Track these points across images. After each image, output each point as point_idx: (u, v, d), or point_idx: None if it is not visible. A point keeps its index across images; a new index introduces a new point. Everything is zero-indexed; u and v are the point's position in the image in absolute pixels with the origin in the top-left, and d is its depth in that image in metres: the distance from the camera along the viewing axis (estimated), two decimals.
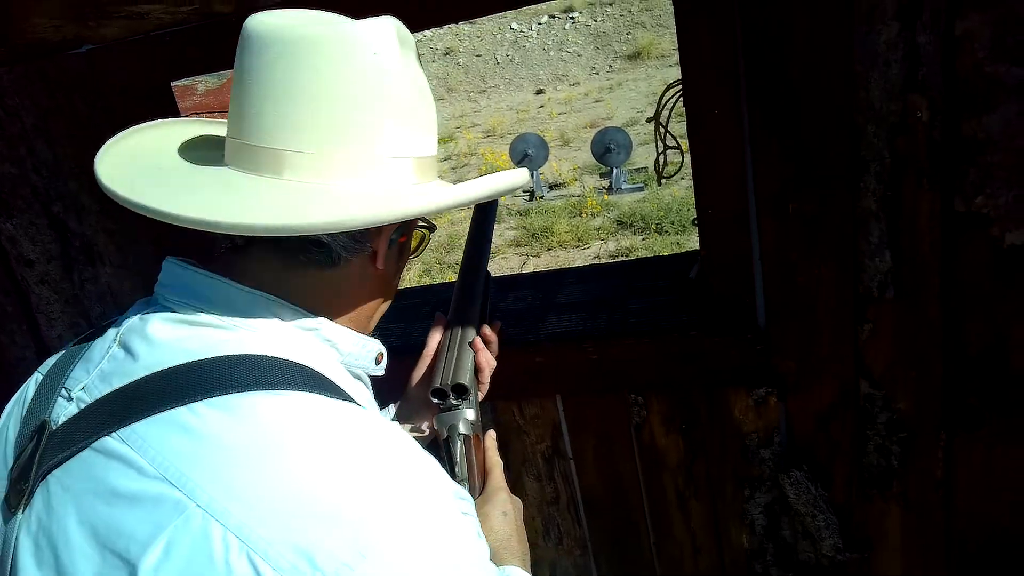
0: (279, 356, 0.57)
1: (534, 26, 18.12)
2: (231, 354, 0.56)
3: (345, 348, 0.66)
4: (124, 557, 0.47)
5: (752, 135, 1.09)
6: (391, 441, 0.54)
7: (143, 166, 0.65)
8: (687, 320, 1.28)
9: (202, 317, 0.59)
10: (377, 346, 0.70)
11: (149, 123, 0.72)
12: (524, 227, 6.76)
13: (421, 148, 0.67)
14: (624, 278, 1.52)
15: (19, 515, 0.54)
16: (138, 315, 0.62)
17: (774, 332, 1.20)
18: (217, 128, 0.75)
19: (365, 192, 0.61)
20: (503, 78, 17.69)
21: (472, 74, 18.12)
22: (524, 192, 8.20)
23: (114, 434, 0.52)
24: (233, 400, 0.52)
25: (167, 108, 1.35)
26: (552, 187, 8.11)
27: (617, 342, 1.28)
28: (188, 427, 0.51)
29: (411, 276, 6.16)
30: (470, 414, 0.84)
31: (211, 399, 0.52)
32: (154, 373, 0.55)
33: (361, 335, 0.67)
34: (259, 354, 0.57)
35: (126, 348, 0.58)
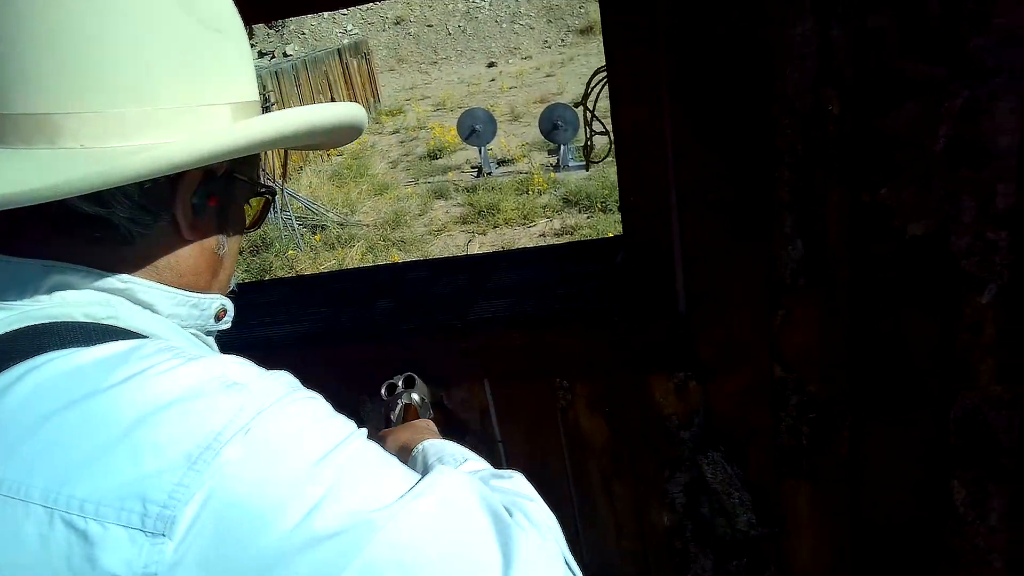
0: (76, 321, 0.51)
1: None
2: (9, 330, 0.49)
3: (165, 310, 0.58)
4: None
5: (672, 126, 1.10)
6: (199, 358, 0.49)
7: None
8: (611, 306, 1.30)
9: None
10: (214, 302, 0.63)
11: None
12: (471, 204, 6.73)
13: (235, 92, 0.57)
14: (554, 263, 1.53)
15: None
16: None
17: (694, 318, 1.23)
18: None
19: (119, 156, 0.51)
20: (455, 50, 17.41)
21: (423, 45, 17.77)
22: (472, 168, 8.14)
23: None
24: (13, 371, 0.46)
25: None
26: (500, 163, 8.07)
27: (544, 327, 1.29)
28: None
29: (353, 254, 6.07)
30: (415, 396, 1.01)
31: None
32: None
33: (189, 294, 0.60)
34: (45, 323, 0.50)
35: None
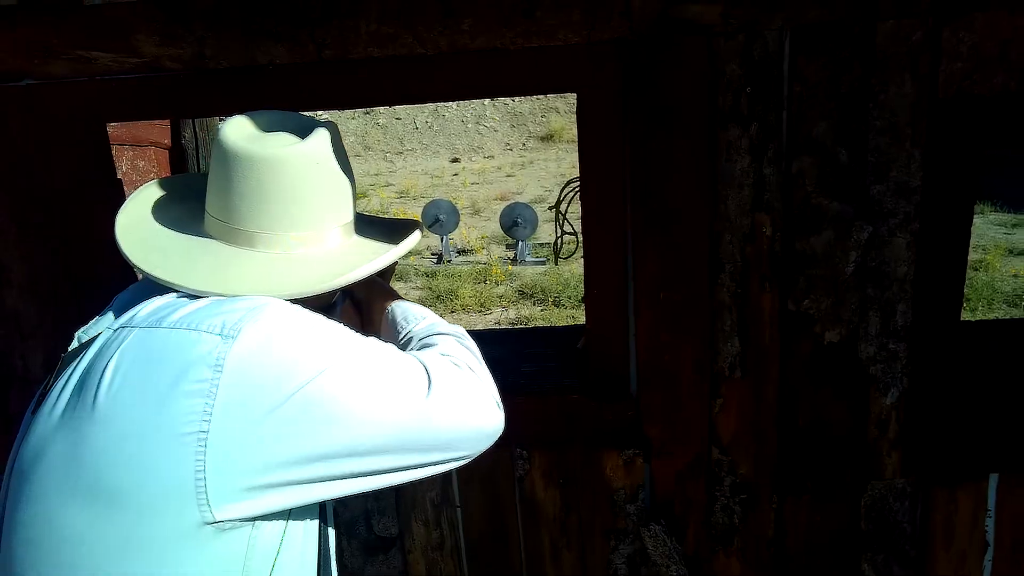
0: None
1: None
2: None
3: None
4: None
5: (634, 233, 1.30)
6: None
7: (148, 242, 0.90)
8: (570, 385, 1.45)
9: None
10: None
11: (131, 198, 0.99)
12: (430, 288, 6.89)
13: (345, 217, 0.95)
14: (519, 344, 1.68)
15: None
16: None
17: (643, 401, 1.38)
18: (166, 192, 1.01)
19: (302, 267, 0.88)
20: (420, 143, 18.09)
21: (390, 135, 18.41)
22: (433, 255, 8.36)
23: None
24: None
25: (99, 145, 1.41)
26: (460, 252, 8.33)
27: (508, 399, 1.42)
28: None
29: None
30: None
31: None
32: None
33: None
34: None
35: None
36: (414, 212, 9.23)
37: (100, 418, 0.69)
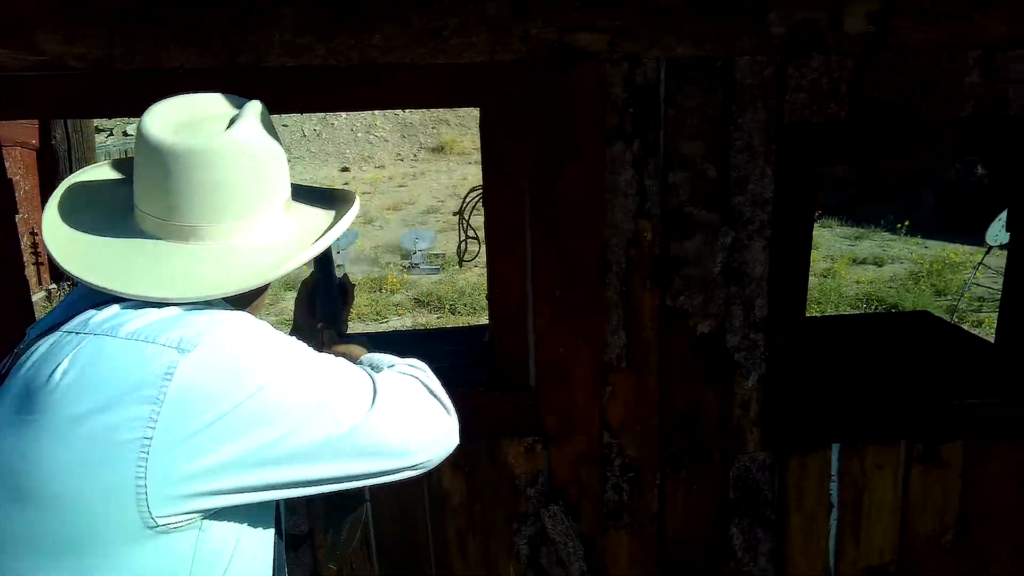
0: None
1: None
2: None
3: None
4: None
5: (532, 237, 1.43)
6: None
7: (79, 242, 0.85)
8: (476, 379, 1.55)
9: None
10: None
11: (58, 191, 0.91)
12: None
13: (282, 196, 0.91)
14: (430, 341, 1.76)
15: None
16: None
17: (542, 391, 1.51)
18: (93, 177, 0.96)
19: (243, 258, 0.85)
20: (308, 151, 17.63)
21: None
22: None
23: None
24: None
25: None
26: (354, 262, 8.23)
27: None
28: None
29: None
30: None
31: None
32: None
33: None
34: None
35: None
36: None
37: (45, 421, 0.69)
